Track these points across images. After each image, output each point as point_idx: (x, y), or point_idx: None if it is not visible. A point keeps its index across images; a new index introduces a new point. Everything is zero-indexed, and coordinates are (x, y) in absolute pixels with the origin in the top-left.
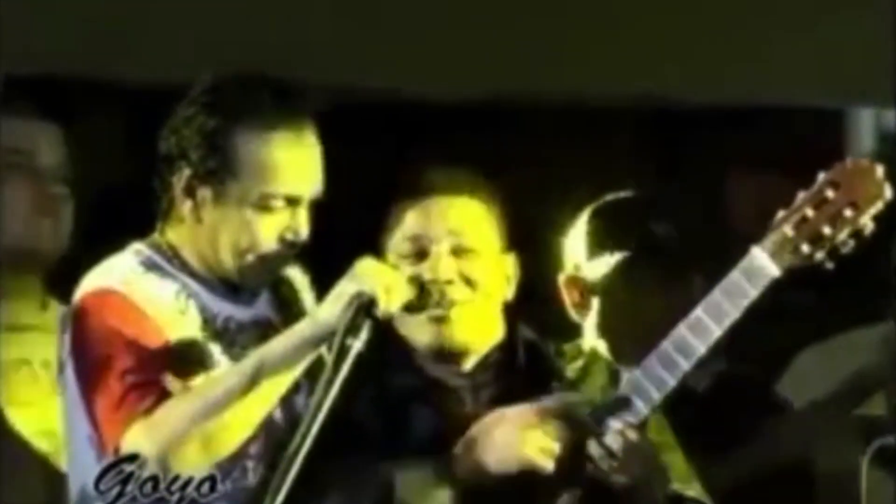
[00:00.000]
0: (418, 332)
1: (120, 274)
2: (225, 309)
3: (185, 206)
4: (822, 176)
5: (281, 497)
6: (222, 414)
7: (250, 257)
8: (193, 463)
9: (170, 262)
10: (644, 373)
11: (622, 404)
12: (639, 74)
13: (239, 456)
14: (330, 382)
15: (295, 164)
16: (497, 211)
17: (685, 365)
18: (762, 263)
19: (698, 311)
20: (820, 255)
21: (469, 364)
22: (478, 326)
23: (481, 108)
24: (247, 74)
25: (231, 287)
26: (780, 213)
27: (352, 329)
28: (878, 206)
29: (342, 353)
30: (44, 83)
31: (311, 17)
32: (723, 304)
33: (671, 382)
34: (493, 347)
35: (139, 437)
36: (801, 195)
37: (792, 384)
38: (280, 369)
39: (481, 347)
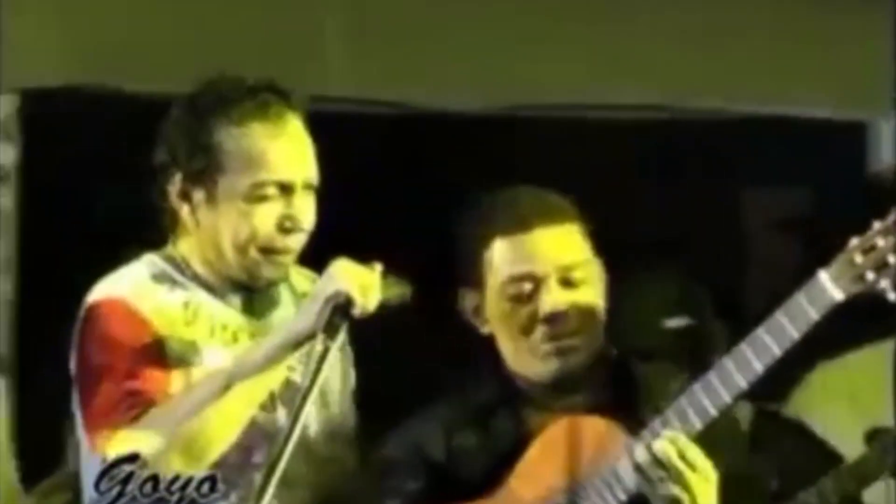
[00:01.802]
0: (536, 365)
1: (128, 283)
2: (237, 320)
3: (183, 212)
4: None
5: (265, 500)
6: (201, 421)
7: (252, 251)
8: (176, 471)
9: (182, 272)
10: (703, 386)
11: (678, 416)
12: (652, 85)
13: (244, 467)
14: (310, 386)
15: (281, 151)
16: (584, 226)
17: (742, 382)
18: (825, 287)
19: (760, 331)
20: (883, 284)
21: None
22: (593, 351)
23: (496, 119)
24: (226, 75)
25: (245, 292)
26: (853, 241)
27: (329, 330)
28: None
29: (321, 354)
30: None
31: (329, 33)
32: (785, 325)
33: (726, 398)
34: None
35: (122, 446)
36: (877, 225)
37: (805, 402)
38: (259, 374)
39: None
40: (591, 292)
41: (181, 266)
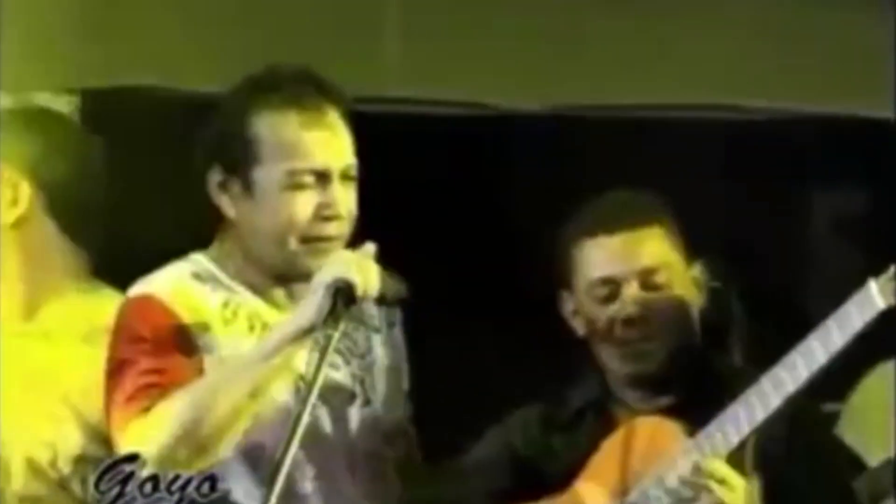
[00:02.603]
0: (617, 365)
1: (165, 281)
2: (279, 317)
3: (223, 205)
4: None
5: (274, 494)
6: (208, 414)
7: (292, 242)
8: (183, 464)
9: (225, 271)
10: (755, 391)
11: (715, 432)
12: (710, 84)
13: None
14: (315, 376)
15: (317, 139)
16: (674, 227)
17: (790, 387)
18: (872, 295)
19: (811, 337)
20: None
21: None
22: (675, 352)
23: (542, 119)
24: (267, 69)
25: (290, 287)
26: None
27: (330, 319)
28: None
29: (324, 344)
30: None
31: (382, 34)
32: (832, 331)
33: (776, 402)
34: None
35: (133, 437)
36: None
37: (861, 405)
38: (264, 368)
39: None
40: (675, 295)
41: (224, 264)
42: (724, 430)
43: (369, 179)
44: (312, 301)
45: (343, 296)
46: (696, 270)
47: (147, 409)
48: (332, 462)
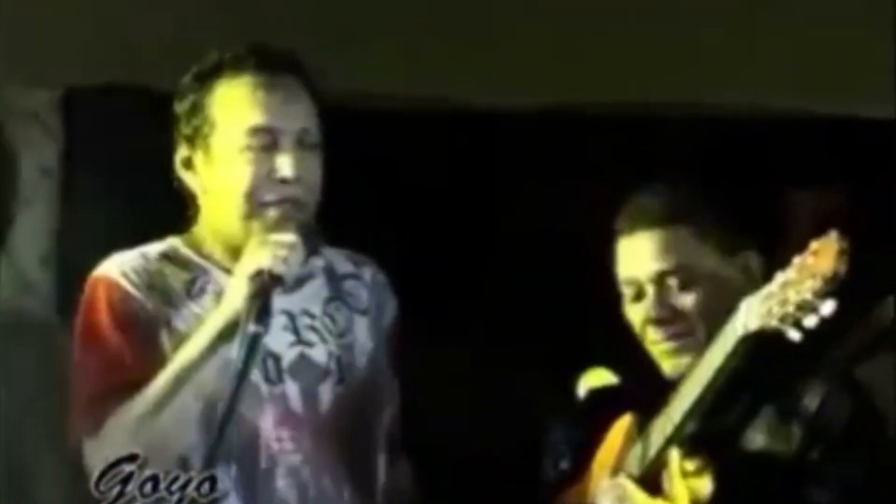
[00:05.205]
0: (661, 362)
1: (127, 261)
2: None
3: (189, 182)
4: (815, 242)
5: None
6: (158, 419)
7: (245, 206)
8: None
9: (198, 253)
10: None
11: (639, 444)
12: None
13: (252, 440)
14: (243, 370)
15: (269, 100)
16: (708, 222)
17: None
18: (738, 320)
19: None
20: (775, 323)
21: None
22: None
23: (543, 116)
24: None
25: None
26: (777, 274)
27: (258, 313)
28: (830, 287)
29: (253, 342)
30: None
31: (381, 31)
32: (715, 349)
33: (676, 419)
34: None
35: (89, 455)
36: (796, 259)
37: None
38: (198, 369)
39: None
40: (696, 296)
41: (197, 246)
42: (645, 443)
43: (358, 177)
44: (237, 294)
45: (268, 289)
46: (746, 260)
47: (98, 425)
48: (300, 438)
